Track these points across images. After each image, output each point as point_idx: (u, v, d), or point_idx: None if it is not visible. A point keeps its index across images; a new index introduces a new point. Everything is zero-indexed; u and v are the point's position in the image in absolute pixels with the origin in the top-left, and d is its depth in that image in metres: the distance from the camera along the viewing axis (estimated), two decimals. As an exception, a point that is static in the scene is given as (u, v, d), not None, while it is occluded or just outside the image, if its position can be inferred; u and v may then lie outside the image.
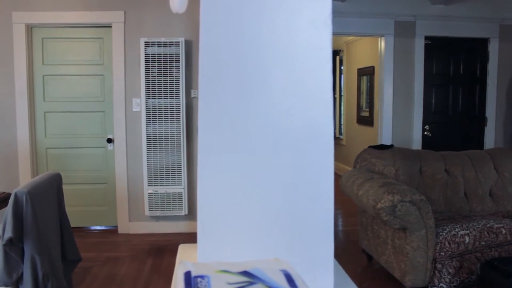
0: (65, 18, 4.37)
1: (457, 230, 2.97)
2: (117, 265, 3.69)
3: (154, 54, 4.26)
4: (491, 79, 5.23)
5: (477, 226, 3.02)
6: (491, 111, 5.27)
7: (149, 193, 4.38)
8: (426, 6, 4.98)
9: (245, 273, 0.66)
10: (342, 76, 8.36)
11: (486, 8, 5.04)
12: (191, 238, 3.91)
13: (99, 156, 4.60)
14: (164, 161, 4.37)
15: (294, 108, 1.01)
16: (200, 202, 1.01)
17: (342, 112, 8.47)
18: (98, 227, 4.68)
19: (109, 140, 4.53)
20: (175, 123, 4.34)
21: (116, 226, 4.58)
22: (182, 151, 4.37)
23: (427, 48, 5.08)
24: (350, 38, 7.37)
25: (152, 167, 4.36)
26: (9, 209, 2.03)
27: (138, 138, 4.45)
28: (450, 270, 2.95)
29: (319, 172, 1.03)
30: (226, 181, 1.01)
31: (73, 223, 4.45)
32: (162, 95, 4.30)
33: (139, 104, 4.42)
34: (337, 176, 4.34)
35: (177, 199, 4.40)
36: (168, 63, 4.27)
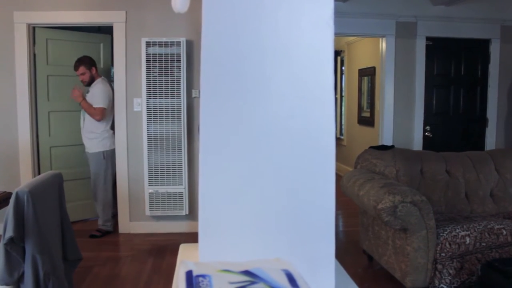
0: (66, 17, 4.37)
1: (457, 231, 2.97)
2: (118, 265, 3.70)
3: (155, 54, 4.26)
4: (492, 80, 5.22)
5: (478, 227, 3.02)
6: (492, 112, 5.26)
7: (149, 193, 4.38)
8: (428, 7, 4.97)
9: (246, 273, 0.66)
10: (343, 76, 8.36)
11: (487, 9, 5.04)
12: (192, 238, 3.91)
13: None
14: (165, 161, 4.37)
15: (295, 108, 1.01)
16: (202, 201, 1.01)
17: (343, 113, 8.47)
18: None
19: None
20: (176, 123, 4.34)
21: (117, 227, 4.58)
22: (183, 151, 4.37)
23: (428, 49, 5.08)
24: (351, 38, 7.37)
25: (153, 167, 4.37)
26: (10, 208, 2.03)
27: (139, 138, 4.46)
28: (451, 271, 2.95)
29: (321, 173, 1.03)
30: (228, 180, 1.01)
31: (77, 217, 4.52)
32: (163, 95, 4.31)
33: (140, 104, 4.42)
34: (338, 177, 4.34)
35: (178, 199, 4.40)
36: (169, 63, 4.28)
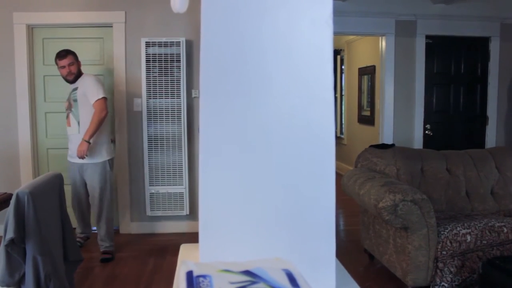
0: (66, 18, 4.37)
1: (458, 229, 2.97)
2: (119, 265, 3.69)
3: (155, 54, 4.26)
4: (492, 78, 5.22)
5: (479, 225, 3.02)
6: (492, 110, 5.26)
7: (150, 193, 4.38)
8: (427, 5, 4.97)
9: (247, 273, 0.66)
10: (343, 75, 8.36)
11: (487, 7, 5.03)
12: (192, 238, 3.90)
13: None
14: (165, 161, 4.37)
15: (295, 107, 1.01)
16: (202, 201, 1.01)
17: (343, 112, 8.46)
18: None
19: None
20: (176, 123, 4.34)
21: (118, 227, 4.58)
22: (183, 151, 4.37)
23: (428, 47, 5.07)
24: (351, 37, 7.36)
25: (153, 167, 4.37)
26: (10, 209, 2.03)
27: (139, 138, 4.45)
28: (452, 269, 2.94)
29: (321, 172, 1.03)
30: (228, 180, 1.01)
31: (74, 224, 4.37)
32: (163, 95, 4.31)
33: (140, 104, 4.42)
34: (338, 176, 4.34)
35: (178, 199, 4.40)
36: (169, 63, 4.28)
